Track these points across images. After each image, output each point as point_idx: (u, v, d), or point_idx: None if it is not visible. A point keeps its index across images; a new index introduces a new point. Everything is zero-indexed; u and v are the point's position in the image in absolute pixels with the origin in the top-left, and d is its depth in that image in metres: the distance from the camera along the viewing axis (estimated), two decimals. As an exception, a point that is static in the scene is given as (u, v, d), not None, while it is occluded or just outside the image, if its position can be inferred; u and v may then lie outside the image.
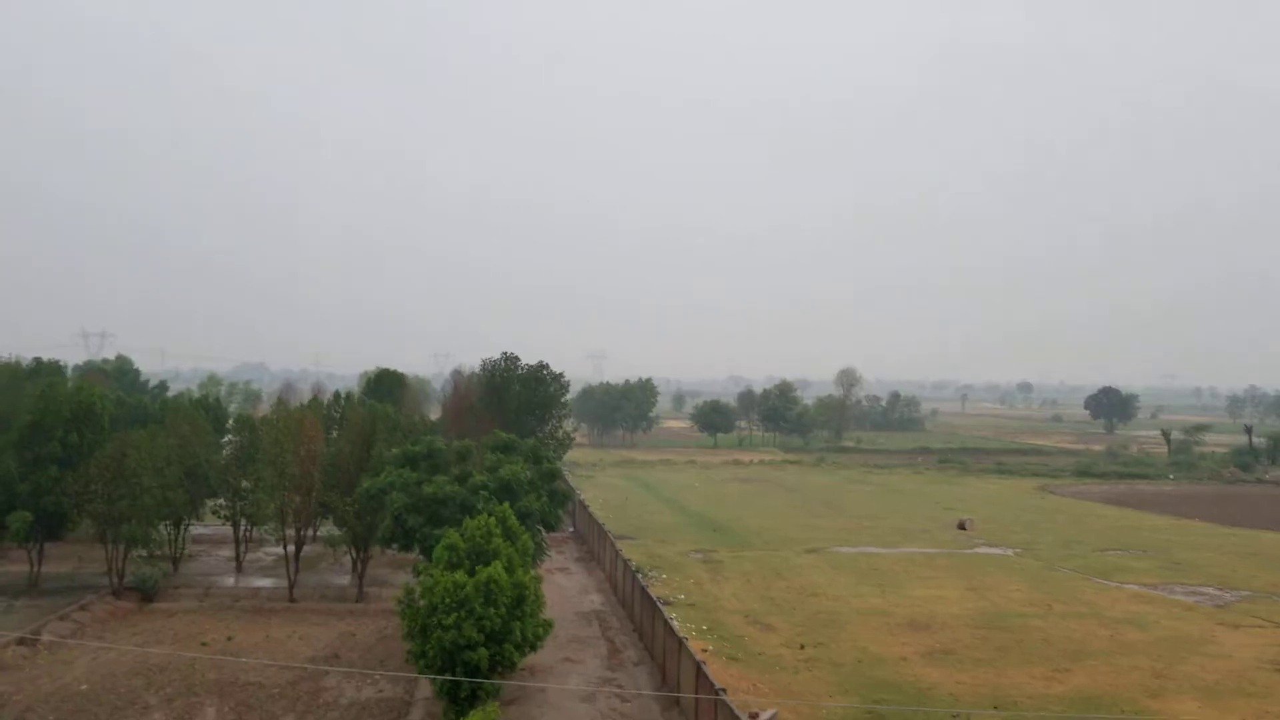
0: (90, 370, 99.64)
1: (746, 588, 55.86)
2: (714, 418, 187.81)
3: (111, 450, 49.20)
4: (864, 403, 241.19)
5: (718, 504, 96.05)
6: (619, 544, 57.62)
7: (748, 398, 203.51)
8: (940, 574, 60.82)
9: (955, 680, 38.31)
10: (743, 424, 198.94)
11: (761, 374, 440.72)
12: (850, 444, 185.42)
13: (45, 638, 41.10)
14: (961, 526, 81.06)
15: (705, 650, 40.48)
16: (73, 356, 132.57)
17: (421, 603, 31.53)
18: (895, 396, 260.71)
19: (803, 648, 42.94)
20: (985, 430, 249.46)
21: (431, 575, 32.46)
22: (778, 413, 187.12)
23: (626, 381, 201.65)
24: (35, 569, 51.08)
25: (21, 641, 40.11)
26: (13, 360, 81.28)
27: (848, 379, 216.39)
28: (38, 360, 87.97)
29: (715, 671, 32.93)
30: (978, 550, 70.72)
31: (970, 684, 37.83)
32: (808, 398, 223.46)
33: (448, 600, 30.38)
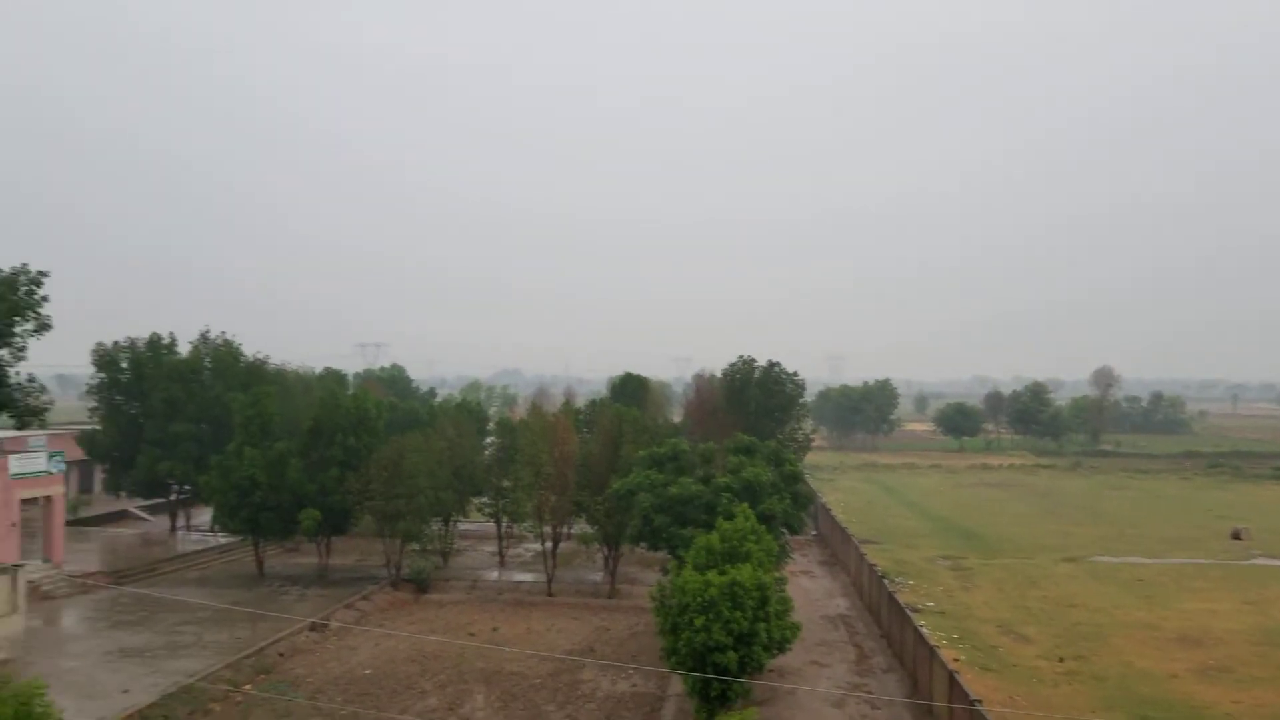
0: (368, 378, 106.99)
1: (999, 596, 53.60)
2: (959, 420, 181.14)
3: (389, 452, 52.62)
4: (1123, 404, 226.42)
5: (965, 509, 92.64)
6: (863, 548, 56.58)
7: (995, 399, 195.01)
8: (1213, 586, 56.30)
9: (1232, 699, 35.36)
10: (989, 427, 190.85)
11: (1009, 374, 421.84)
12: (1109, 447, 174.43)
13: (333, 624, 44.46)
14: (1236, 536, 74.70)
15: (957, 660, 39.14)
16: (352, 366, 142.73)
17: (672, 601, 32.02)
18: (1157, 397, 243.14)
19: (1062, 660, 40.76)
20: (1261, 433, 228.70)
21: (681, 575, 32.92)
22: (1028, 415, 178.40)
23: (865, 383, 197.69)
24: (323, 561, 55.31)
25: (313, 627, 43.55)
26: (303, 370, 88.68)
27: (1104, 378, 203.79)
28: (325, 369, 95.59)
29: (969, 682, 31.77)
30: (1255, 561, 65.01)
31: (1249, 704, 34.82)
32: (1060, 398, 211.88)
33: (696, 600, 30.72)
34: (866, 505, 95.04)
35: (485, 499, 60.86)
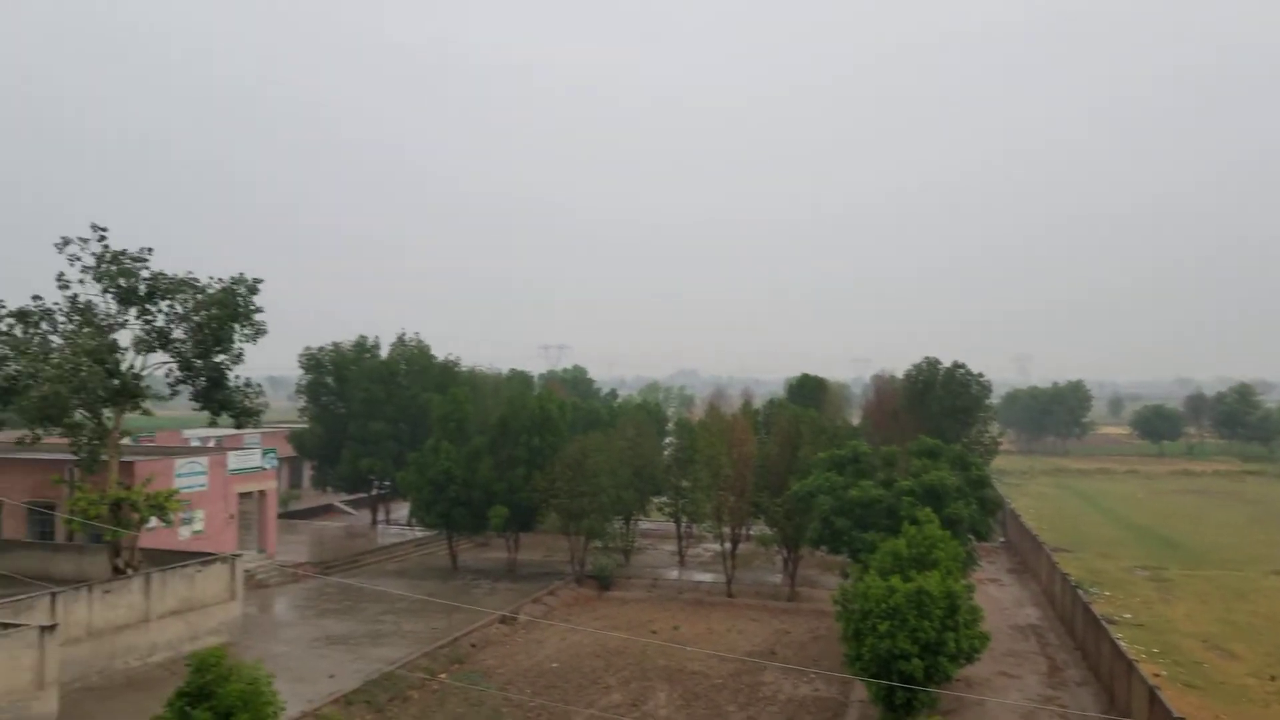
0: (551, 379, 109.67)
1: (1202, 609, 50.50)
2: (1158, 423, 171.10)
3: (572, 451, 53.83)
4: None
5: (1165, 517, 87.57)
6: (1055, 556, 54.29)
7: (1198, 401, 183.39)
8: None
9: None
10: (1191, 430, 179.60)
11: (1211, 374, 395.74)
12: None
13: (522, 618, 45.81)
14: None
15: (1158, 675, 37.10)
16: (536, 367, 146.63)
17: (855, 607, 31.58)
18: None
19: (1274, 679, 38.09)
20: None
21: (864, 580, 32.43)
22: (1235, 418, 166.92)
23: (1055, 384, 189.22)
24: (512, 556, 57.03)
25: (503, 620, 44.98)
26: (491, 371, 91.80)
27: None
28: (512, 371, 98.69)
29: (1171, 699, 30.06)
30: None
31: None
32: (1270, 400, 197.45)
33: (880, 607, 30.21)
34: (1057, 512, 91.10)
35: (665, 499, 61.48)
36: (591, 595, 52.77)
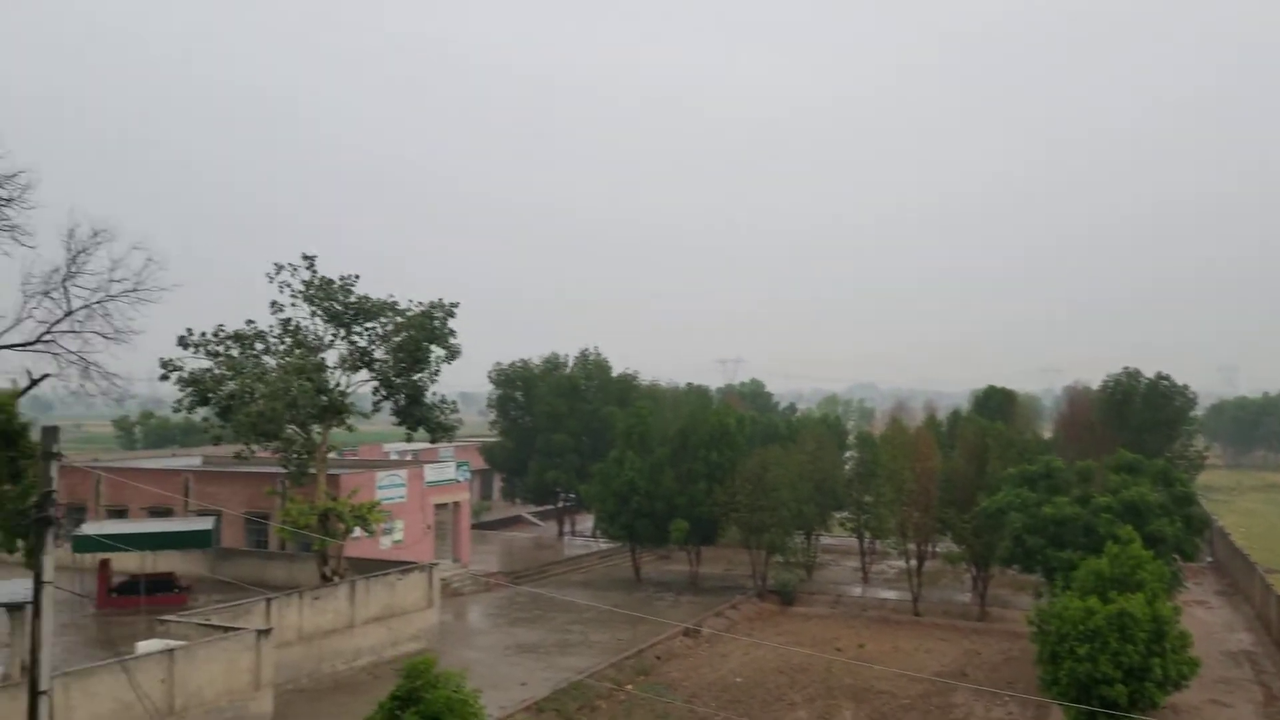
0: (729, 393, 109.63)
1: None
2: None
3: (752, 465, 53.60)
4: None
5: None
6: (1269, 578, 50.47)
7: None
8: None
9: None
10: None
11: None
12: None
13: (705, 631, 45.82)
14: None
15: (1394, 710, 33.95)
16: (713, 380, 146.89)
17: (1051, 628, 30.20)
18: None
19: None
20: None
21: (1061, 600, 30.98)
22: None
23: (1265, 395, 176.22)
24: (694, 569, 57.15)
25: (687, 633, 45.11)
26: (668, 385, 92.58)
27: None
28: (688, 385, 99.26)
29: None
30: None
31: None
32: None
33: (1079, 629, 28.80)
34: (1270, 530, 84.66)
35: (846, 513, 60.41)
36: (774, 610, 52.30)
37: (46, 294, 28.96)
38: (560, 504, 72.71)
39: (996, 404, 73.89)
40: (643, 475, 54.56)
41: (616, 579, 58.17)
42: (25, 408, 27.51)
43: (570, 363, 74.50)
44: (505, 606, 50.07)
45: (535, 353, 76.28)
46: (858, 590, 56.08)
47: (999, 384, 77.68)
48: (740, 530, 54.12)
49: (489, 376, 73.79)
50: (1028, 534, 42.28)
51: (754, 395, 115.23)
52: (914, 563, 52.01)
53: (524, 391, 72.35)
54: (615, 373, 74.84)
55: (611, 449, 58.45)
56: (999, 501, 44.71)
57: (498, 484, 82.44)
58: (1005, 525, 43.67)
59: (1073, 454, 57.07)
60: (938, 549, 54.89)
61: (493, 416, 75.28)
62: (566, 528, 74.05)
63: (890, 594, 54.88)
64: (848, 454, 66.37)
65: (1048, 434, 78.19)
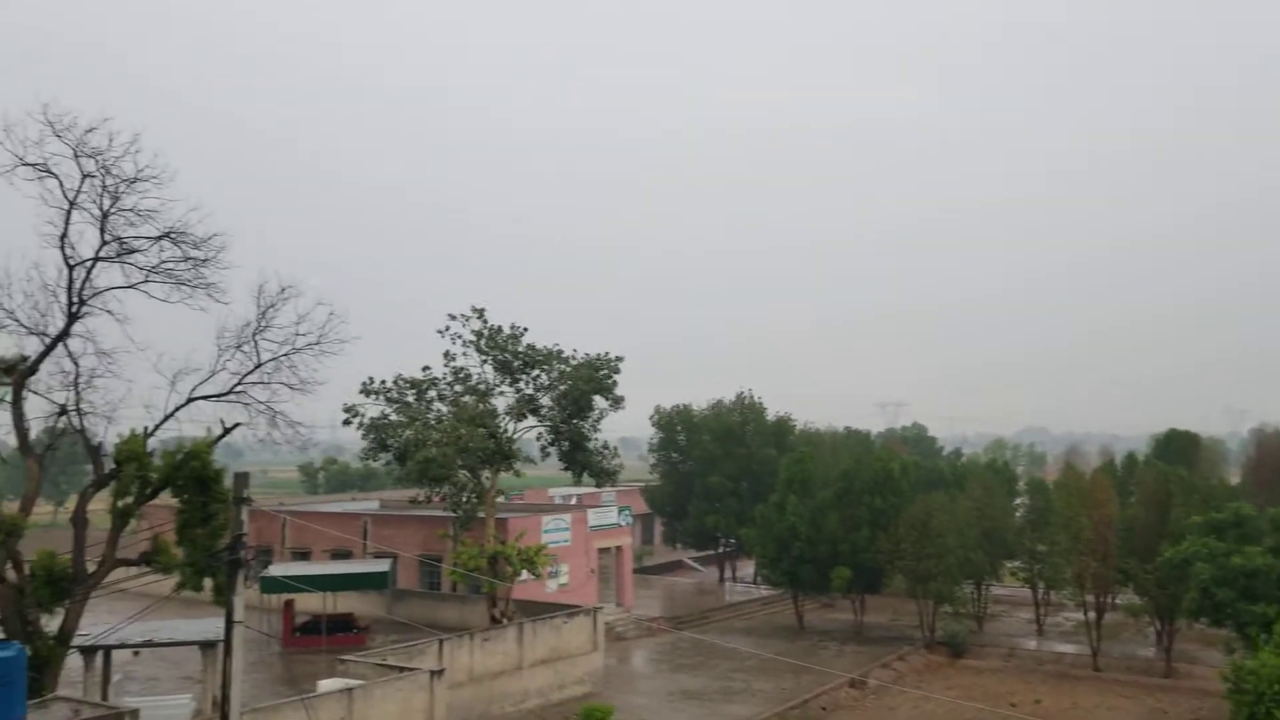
0: (890, 438, 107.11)
1: None
2: None
3: (916, 512, 51.98)
4: None
5: None
6: None
7: None
8: None
9: None
10: None
11: None
12: None
13: (871, 682, 44.43)
14: None
15: None
16: (874, 425, 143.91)
17: (1248, 686, 28.01)
18: None
19: None
20: None
21: (1258, 657, 28.73)
22: None
23: None
24: (858, 618, 55.63)
25: (852, 684, 43.84)
26: (827, 430, 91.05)
27: None
28: (847, 429, 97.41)
29: None
30: None
31: None
32: None
33: (1275, 689, 26.60)
34: None
35: (1018, 563, 57.68)
36: (943, 662, 50.30)
37: (238, 347, 30.73)
38: (721, 549, 72.17)
39: (1178, 448, 69.69)
40: (804, 521, 53.71)
41: (779, 626, 57.15)
42: (218, 454, 29.15)
43: (728, 406, 74.23)
44: (668, 652, 49.82)
45: (696, 397, 76.48)
46: (1032, 643, 53.41)
47: (1179, 427, 73.38)
48: (905, 579, 52.43)
49: (651, 421, 74.18)
50: (1216, 586, 39.56)
51: (917, 440, 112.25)
52: (1093, 615, 49.19)
53: (684, 435, 72.41)
54: (772, 416, 74.14)
55: (771, 493, 57.81)
56: (1184, 551, 42.02)
57: (659, 528, 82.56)
58: (1191, 576, 40.97)
59: (1263, 500, 53.22)
60: (1118, 600, 51.91)
61: (653, 460, 75.63)
62: (728, 573, 73.39)
63: (1067, 647, 52.01)
64: (1018, 500, 63.60)
65: (1235, 479, 73.23)
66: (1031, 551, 54.94)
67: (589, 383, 42.90)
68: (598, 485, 47.37)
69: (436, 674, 31.39)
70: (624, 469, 49.78)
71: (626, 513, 59.34)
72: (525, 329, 43.93)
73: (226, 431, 30.09)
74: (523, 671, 38.24)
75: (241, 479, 17.19)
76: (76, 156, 27.42)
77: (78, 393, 28.93)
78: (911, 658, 49.91)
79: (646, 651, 50.30)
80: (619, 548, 57.52)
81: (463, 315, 43.66)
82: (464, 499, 42.41)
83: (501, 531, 45.45)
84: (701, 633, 53.70)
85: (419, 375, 43.77)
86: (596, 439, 44.90)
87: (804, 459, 57.21)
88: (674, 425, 72.94)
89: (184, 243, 29.20)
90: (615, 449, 45.45)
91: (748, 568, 73.22)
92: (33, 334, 28.45)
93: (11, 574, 26.35)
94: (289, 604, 44.31)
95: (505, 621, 40.14)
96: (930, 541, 50.53)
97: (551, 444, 44.59)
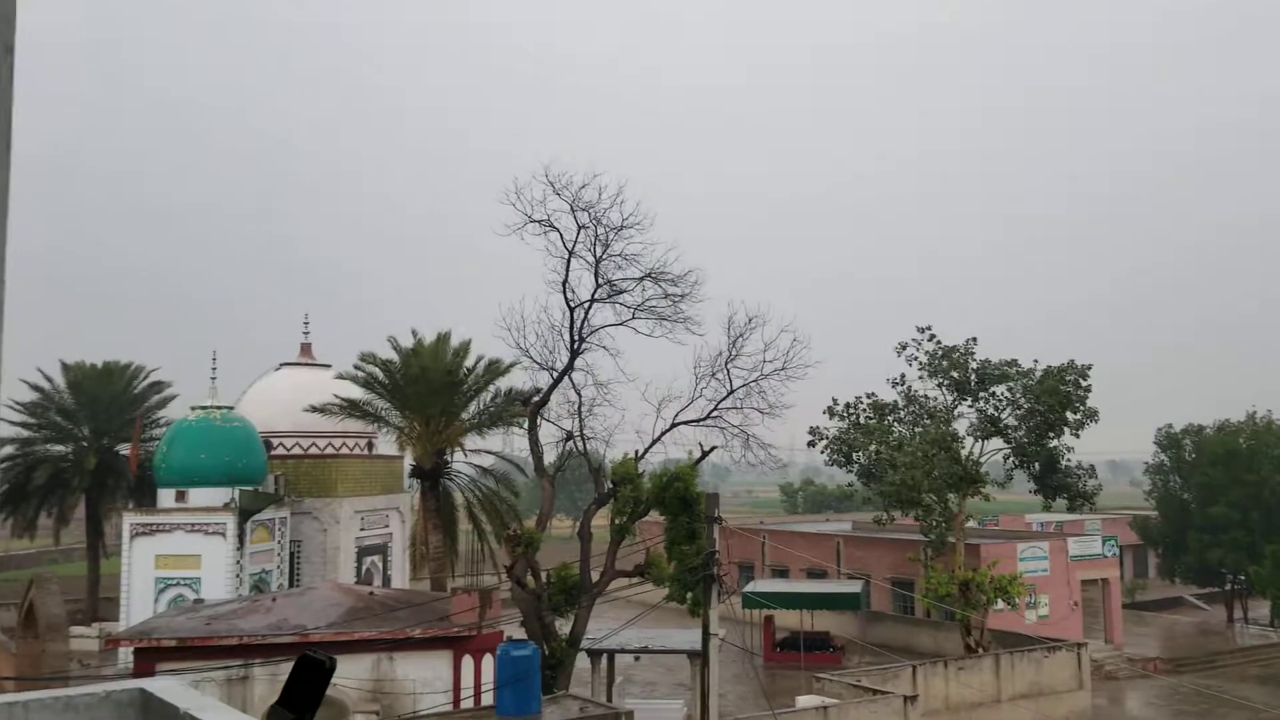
0: None
1: None
2: None
3: None
4: None
5: None
6: None
7: None
8: None
9: None
10: None
11: None
12: None
13: None
14: None
15: None
16: None
17: None
18: None
19: None
20: None
21: None
22: None
23: None
24: None
25: None
26: None
27: None
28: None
29: None
30: None
31: None
32: None
33: None
34: None
35: None
36: None
37: (713, 375, 32.12)
38: (1229, 585, 63.03)
39: None
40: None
41: (1305, 677, 48.64)
42: (707, 475, 30.60)
43: (1234, 425, 64.82)
44: (1167, 697, 44.27)
45: (1211, 416, 67.59)
46: None
47: None
48: None
49: (1155, 441, 66.68)
50: None
51: None
52: None
53: (1191, 458, 64.12)
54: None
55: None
56: None
57: (1153, 561, 74.06)
58: None
59: None
60: None
61: (1148, 486, 68.04)
62: (1237, 613, 63.90)
63: None
64: None
65: None
66: None
67: (1054, 395, 39.48)
68: (1072, 509, 43.51)
69: (910, 699, 30.36)
70: (1101, 490, 45.36)
71: (1112, 543, 53.87)
72: (975, 340, 41.43)
73: (705, 454, 31.55)
74: (1001, 705, 35.84)
75: (712, 499, 17.76)
76: (573, 211, 30.27)
77: (581, 420, 31.82)
78: None
79: (1141, 694, 45.08)
80: (1105, 580, 52.29)
81: (913, 340, 42.46)
82: (933, 523, 40.96)
83: (973, 558, 43.24)
84: (1207, 678, 47.10)
85: (877, 399, 43.16)
86: (1069, 458, 41.25)
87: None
88: (1180, 447, 64.85)
89: (663, 281, 31.06)
90: (1091, 468, 41.45)
91: (1262, 608, 63.28)
92: (543, 369, 31.75)
93: (531, 582, 29.43)
94: (769, 620, 45.43)
95: (981, 651, 37.99)
96: None
97: (1019, 465, 41.61)
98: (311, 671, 4.22)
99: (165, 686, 5.99)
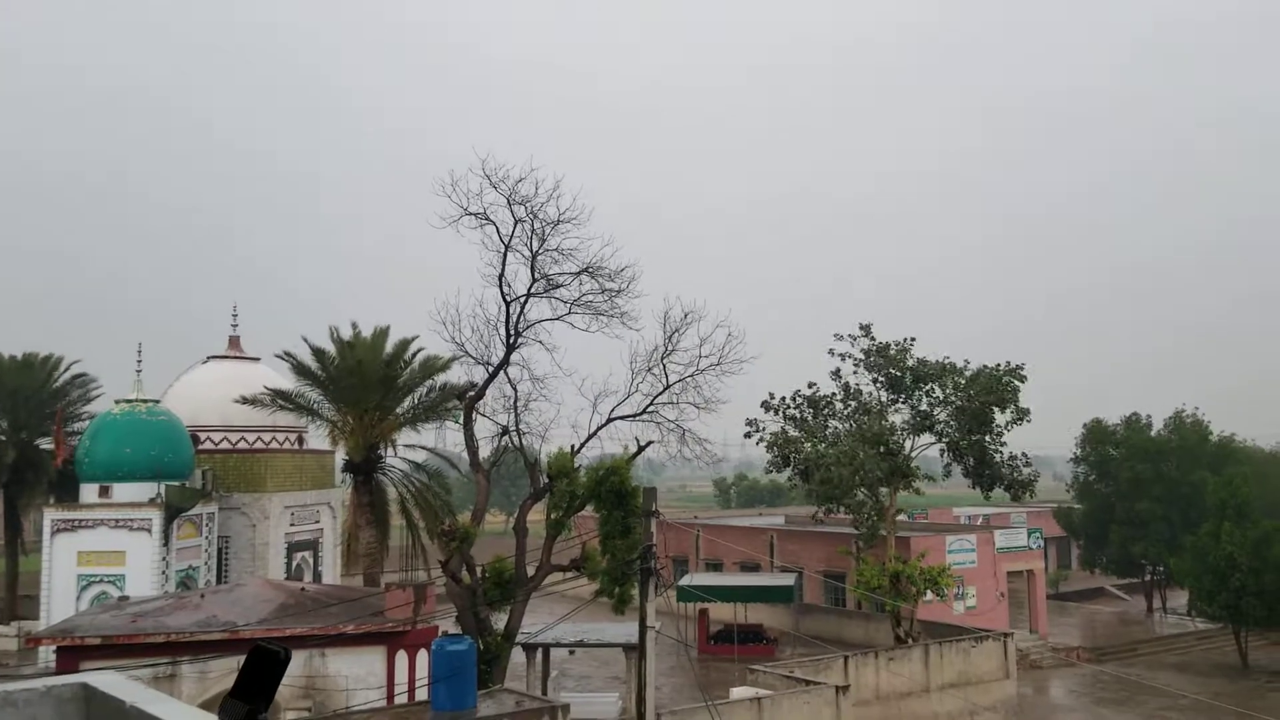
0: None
1: None
2: None
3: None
4: None
5: None
6: None
7: None
8: None
9: None
10: None
11: None
12: None
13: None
14: None
15: None
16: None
17: None
18: None
19: None
20: None
21: None
22: None
23: None
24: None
25: (1315, 733, 37.67)
26: (1271, 449, 79.61)
27: None
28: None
29: None
30: None
31: None
32: None
33: None
34: None
35: None
36: None
37: (649, 370, 32.30)
38: (1148, 577, 65.08)
39: None
40: (1244, 550, 47.05)
41: (1217, 664, 50.47)
42: (641, 471, 30.79)
43: (1158, 424, 66.68)
44: (1089, 684, 45.69)
45: (1116, 413, 69.56)
46: None
47: None
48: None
49: (1079, 436, 68.25)
50: None
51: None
52: None
53: (1119, 452, 65.84)
54: (1215, 435, 65.69)
55: (1200, 519, 51.45)
56: None
57: (1075, 552, 76.15)
58: None
59: None
60: None
61: (1069, 480, 69.90)
62: (1156, 603, 66.06)
63: None
64: None
65: None
66: None
67: (989, 394, 40.48)
68: (1014, 498, 44.63)
69: (842, 690, 30.92)
70: (1039, 477, 46.63)
71: (1037, 535, 55.36)
72: (913, 340, 42.36)
73: (641, 449, 31.74)
74: (930, 694, 36.67)
75: (650, 494, 17.96)
76: (509, 204, 30.19)
77: (516, 414, 31.80)
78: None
79: (1065, 682, 46.46)
80: (1030, 572, 53.73)
81: (849, 335, 43.16)
82: (864, 516, 41.71)
83: (903, 550, 44.13)
84: (1127, 666, 48.72)
85: (814, 393, 43.76)
86: (1003, 451, 42.31)
87: (1232, 483, 50.22)
88: (1097, 443, 66.54)
89: (599, 276, 31.14)
90: (1026, 457, 42.54)
91: (1179, 598, 65.48)
92: (479, 363, 31.64)
93: (466, 576, 29.38)
94: (703, 613, 45.87)
95: (911, 641, 38.84)
96: None
97: (954, 460, 42.65)
98: (266, 662, 4.28)
99: (109, 680, 5.98)
